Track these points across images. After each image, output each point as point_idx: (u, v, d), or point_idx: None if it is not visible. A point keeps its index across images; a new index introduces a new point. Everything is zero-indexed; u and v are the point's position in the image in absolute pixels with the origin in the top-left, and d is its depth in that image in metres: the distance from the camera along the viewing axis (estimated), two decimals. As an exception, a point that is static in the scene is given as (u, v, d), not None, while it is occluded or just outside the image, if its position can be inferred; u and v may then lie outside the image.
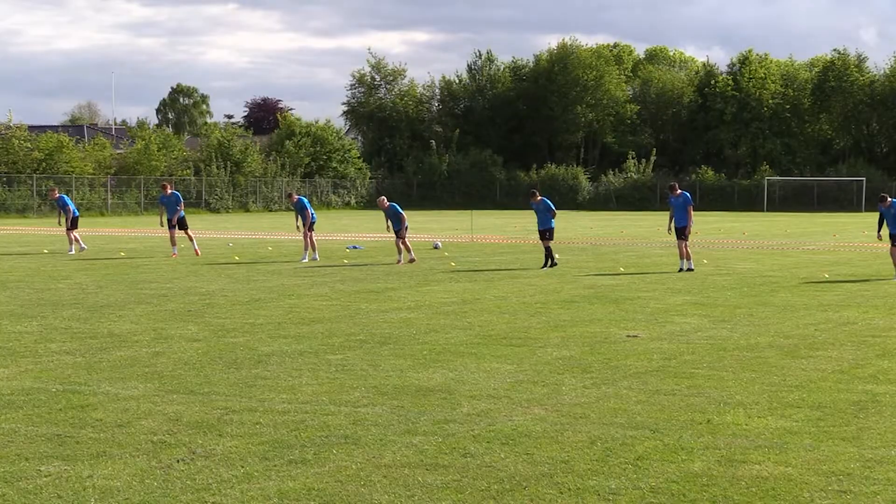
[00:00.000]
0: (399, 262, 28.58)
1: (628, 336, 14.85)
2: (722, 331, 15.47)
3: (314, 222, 30.40)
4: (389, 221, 29.42)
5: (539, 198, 28.55)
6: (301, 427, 9.20)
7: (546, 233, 28.06)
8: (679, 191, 27.51)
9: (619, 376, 11.73)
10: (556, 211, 28.46)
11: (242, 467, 7.95)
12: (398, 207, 29.41)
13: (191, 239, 31.63)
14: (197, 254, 30.76)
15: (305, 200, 30.58)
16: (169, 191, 32.24)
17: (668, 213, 28.30)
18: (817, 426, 9.38)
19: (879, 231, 25.09)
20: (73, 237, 32.31)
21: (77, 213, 33.36)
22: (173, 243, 31.18)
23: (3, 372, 11.84)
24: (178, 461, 8.10)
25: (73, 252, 31.68)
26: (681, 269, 26.42)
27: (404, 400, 10.40)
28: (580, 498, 7.28)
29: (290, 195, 31.72)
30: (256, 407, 10.02)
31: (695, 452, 8.44)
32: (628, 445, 8.64)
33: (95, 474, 7.75)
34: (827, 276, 24.73)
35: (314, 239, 30.15)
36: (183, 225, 31.47)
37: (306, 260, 29.26)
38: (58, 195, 34.50)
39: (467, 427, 9.25)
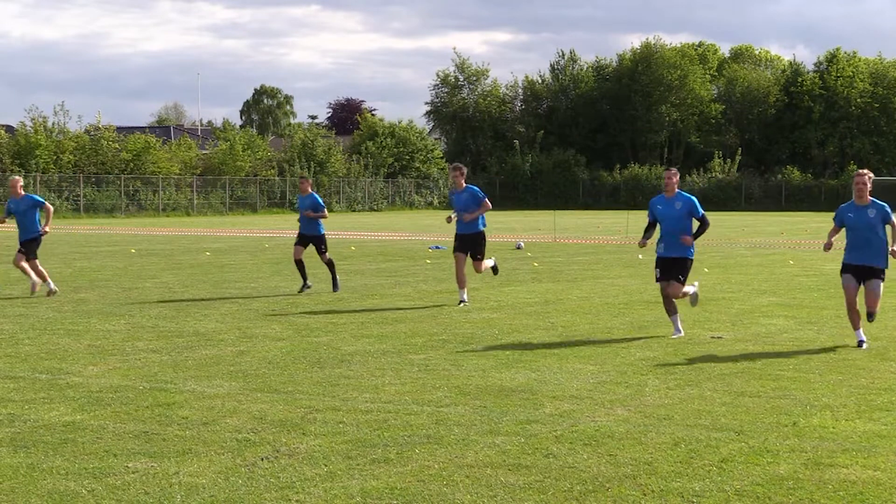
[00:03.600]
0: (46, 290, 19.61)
1: (712, 337, 14.70)
2: (808, 332, 15.26)
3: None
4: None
5: (309, 191, 21.27)
6: (384, 426, 9.23)
7: (316, 242, 21.17)
8: (465, 183, 18.98)
9: (703, 378, 11.62)
10: (325, 212, 21.23)
11: (326, 466, 7.99)
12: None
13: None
14: None
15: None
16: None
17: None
18: (907, 430, 9.22)
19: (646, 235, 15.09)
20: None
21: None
22: None
23: (92, 369, 12.02)
24: (262, 459, 8.16)
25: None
26: (461, 301, 18.51)
27: (487, 400, 10.39)
28: (663, 500, 7.22)
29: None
30: (340, 406, 10.07)
31: (780, 455, 8.33)
32: (712, 447, 8.55)
33: (181, 471, 7.84)
34: (917, 277, 24.24)
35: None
36: None
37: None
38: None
39: (550, 427, 9.22)
